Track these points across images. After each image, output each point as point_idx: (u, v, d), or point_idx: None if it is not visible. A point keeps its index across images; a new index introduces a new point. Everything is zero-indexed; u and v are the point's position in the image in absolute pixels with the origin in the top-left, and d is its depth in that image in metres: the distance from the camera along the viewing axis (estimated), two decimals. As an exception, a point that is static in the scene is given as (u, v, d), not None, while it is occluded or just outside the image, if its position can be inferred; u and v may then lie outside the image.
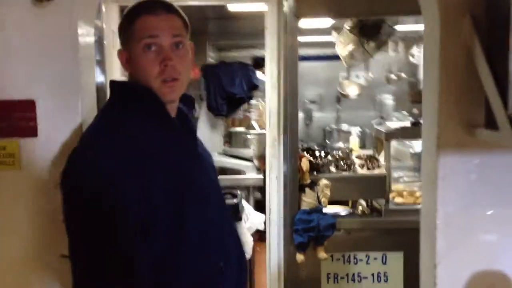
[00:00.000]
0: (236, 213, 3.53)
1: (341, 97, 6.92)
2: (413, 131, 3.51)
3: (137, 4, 1.70)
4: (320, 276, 3.34)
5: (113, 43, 2.67)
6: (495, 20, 1.72)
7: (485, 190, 1.88)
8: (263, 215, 4.08)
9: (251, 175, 4.59)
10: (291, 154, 3.24)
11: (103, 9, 2.64)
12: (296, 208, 3.28)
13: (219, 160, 4.60)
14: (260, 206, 4.79)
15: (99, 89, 2.02)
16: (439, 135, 1.88)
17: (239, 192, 3.96)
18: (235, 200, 3.67)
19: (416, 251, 3.33)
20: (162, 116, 1.66)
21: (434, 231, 1.92)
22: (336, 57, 7.32)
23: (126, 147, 1.52)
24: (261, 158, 4.62)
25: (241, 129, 4.86)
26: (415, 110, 7.51)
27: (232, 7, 3.67)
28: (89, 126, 1.67)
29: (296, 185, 3.27)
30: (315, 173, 3.36)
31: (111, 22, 2.76)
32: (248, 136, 4.60)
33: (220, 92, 4.54)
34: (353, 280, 3.35)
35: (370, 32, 3.63)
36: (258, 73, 4.74)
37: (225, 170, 4.70)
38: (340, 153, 3.61)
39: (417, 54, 6.18)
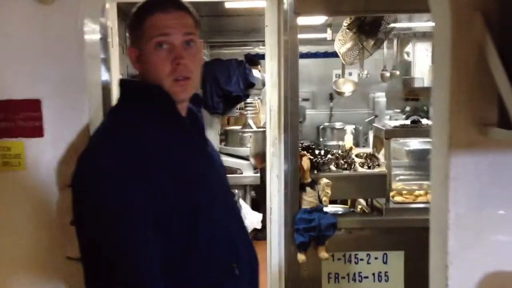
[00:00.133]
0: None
1: (335, 95, 6.94)
2: (413, 130, 3.51)
3: (148, 1, 1.67)
4: (321, 276, 3.32)
5: (112, 41, 2.63)
6: (507, 17, 1.71)
7: (497, 190, 1.87)
8: (260, 214, 4.07)
9: (247, 174, 4.57)
10: (292, 153, 3.22)
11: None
12: (296, 208, 3.26)
13: (215, 158, 4.53)
14: (255, 205, 4.77)
15: (104, 87, 1.98)
16: (450, 134, 1.86)
17: (236, 191, 3.93)
18: (233, 199, 3.63)
19: (417, 250, 3.36)
20: (173, 116, 1.64)
21: (445, 232, 1.91)
22: (329, 55, 7.36)
23: (137, 149, 1.50)
24: (257, 156, 4.59)
25: (237, 127, 4.83)
26: (407, 108, 7.56)
27: (231, 4, 3.63)
28: (99, 127, 1.64)
29: (297, 184, 3.25)
30: (315, 172, 3.33)
31: (109, 20, 2.72)
32: (244, 135, 4.57)
33: (216, 90, 4.50)
34: (354, 279, 3.33)
35: (369, 30, 3.61)
36: (254, 71, 4.70)
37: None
38: (340, 151, 3.58)
39: (411, 51, 6.22)
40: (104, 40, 2.01)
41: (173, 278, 1.49)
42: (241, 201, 3.87)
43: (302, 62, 6.54)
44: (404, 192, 3.64)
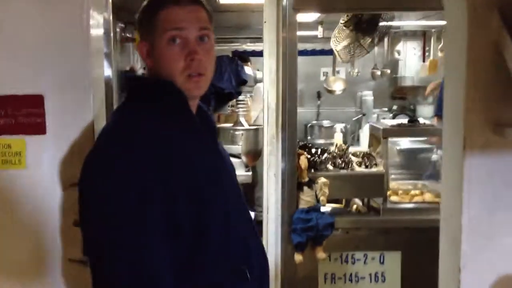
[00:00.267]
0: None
1: (323, 93, 6.90)
2: (410, 129, 3.48)
3: None
4: (317, 276, 3.28)
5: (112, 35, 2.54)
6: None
7: (512, 192, 1.84)
8: (252, 212, 4.01)
9: (239, 172, 4.49)
10: (290, 152, 3.17)
11: None
12: (294, 207, 3.21)
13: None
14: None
15: (106, 83, 1.90)
16: (465, 135, 1.82)
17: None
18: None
19: (414, 250, 3.34)
20: (185, 113, 1.58)
21: (458, 235, 1.87)
22: (316, 52, 7.33)
23: (148, 148, 1.43)
24: (249, 154, 4.53)
25: (228, 125, 4.76)
26: (395, 107, 7.56)
27: (229, 0, 3.56)
28: (109, 125, 1.57)
29: (294, 183, 3.21)
30: (312, 171, 3.29)
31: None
32: (236, 133, 4.50)
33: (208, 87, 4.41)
34: (351, 280, 3.30)
35: (366, 28, 3.57)
36: (246, 68, 4.64)
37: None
38: (336, 150, 3.54)
39: (402, 50, 6.22)
40: (107, 34, 1.91)
41: (183, 278, 1.45)
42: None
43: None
44: (400, 191, 3.61)
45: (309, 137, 7.01)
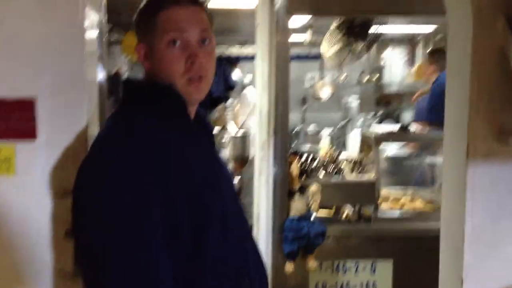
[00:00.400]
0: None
1: (310, 99, 6.88)
2: (403, 135, 3.45)
3: None
4: (308, 285, 3.22)
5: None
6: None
7: (516, 202, 1.81)
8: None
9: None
10: (281, 158, 3.12)
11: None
12: (285, 215, 3.15)
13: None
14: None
15: (100, 87, 1.83)
16: (469, 143, 1.79)
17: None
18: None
19: (405, 259, 3.31)
20: (183, 117, 1.52)
21: (461, 244, 1.83)
22: (302, 58, 7.30)
23: (145, 152, 1.37)
24: (237, 160, 4.47)
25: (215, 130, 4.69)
26: (380, 112, 7.57)
27: (215, 4, 3.50)
28: (103, 130, 1.51)
29: (285, 190, 3.15)
30: (303, 178, 3.24)
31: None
32: (224, 138, 4.44)
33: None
34: (342, 289, 3.25)
35: (359, 32, 3.54)
36: (234, 72, 4.58)
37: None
38: (327, 157, 3.50)
39: (387, 57, 6.22)
40: (100, 36, 1.85)
41: (180, 283, 1.39)
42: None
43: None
44: (390, 199, 3.58)
45: (294, 143, 6.97)
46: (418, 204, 3.53)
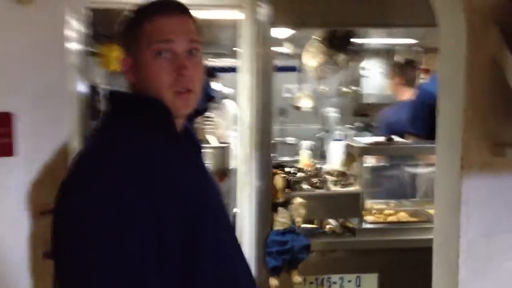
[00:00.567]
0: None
1: (286, 110, 6.84)
2: (387, 147, 3.41)
3: (146, 4, 1.47)
4: (293, 300, 3.15)
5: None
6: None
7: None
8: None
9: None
10: (264, 171, 3.05)
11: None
12: (269, 229, 3.08)
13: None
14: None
15: (81, 100, 1.75)
16: (463, 155, 1.75)
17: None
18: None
19: (390, 272, 3.26)
20: (169, 128, 1.45)
21: (455, 260, 1.79)
22: (281, 69, 7.26)
23: (128, 163, 1.29)
24: (217, 173, 4.39)
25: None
26: (358, 124, 7.57)
27: (204, 15, 3.42)
28: (88, 142, 1.43)
29: (269, 204, 3.08)
30: (287, 191, 3.17)
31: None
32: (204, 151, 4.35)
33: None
34: (327, 304, 3.19)
35: (340, 44, 3.51)
36: (214, 84, 4.51)
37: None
38: (311, 169, 3.44)
39: (365, 68, 6.21)
40: (81, 48, 1.76)
41: None
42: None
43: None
44: (374, 211, 3.54)
45: (272, 155, 6.90)
46: (403, 216, 3.49)
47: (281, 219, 3.09)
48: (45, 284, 1.63)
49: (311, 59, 3.60)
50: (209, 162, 4.39)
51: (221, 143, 4.61)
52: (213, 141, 4.49)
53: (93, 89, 3.93)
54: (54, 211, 1.33)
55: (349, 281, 3.22)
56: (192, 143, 1.56)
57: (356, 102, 7.15)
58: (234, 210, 3.50)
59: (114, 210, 1.23)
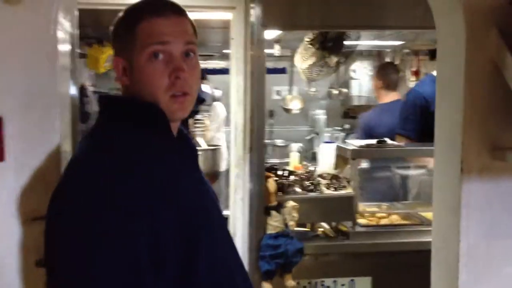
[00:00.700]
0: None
1: (276, 112, 6.82)
2: (379, 149, 3.39)
3: (140, 4, 1.42)
4: (286, 305, 3.11)
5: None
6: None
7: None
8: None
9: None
10: (257, 174, 3.01)
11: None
12: (261, 232, 3.05)
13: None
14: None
15: (72, 102, 1.70)
16: (463, 159, 1.72)
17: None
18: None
19: (384, 275, 3.24)
20: (166, 137, 1.41)
21: (455, 264, 1.76)
22: (269, 71, 7.23)
23: (129, 171, 1.26)
24: (207, 176, 4.34)
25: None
26: (346, 126, 7.56)
27: (194, 16, 3.38)
28: (82, 149, 1.38)
29: (262, 207, 3.04)
30: (280, 194, 3.13)
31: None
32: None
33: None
34: (321, 308, 3.15)
35: (332, 46, 3.48)
36: (204, 86, 4.47)
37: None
38: (304, 172, 3.41)
39: (354, 70, 6.21)
40: (72, 49, 1.72)
41: None
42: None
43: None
44: (367, 214, 3.51)
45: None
46: (395, 218, 3.47)
47: (274, 223, 3.05)
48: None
49: (303, 61, 3.56)
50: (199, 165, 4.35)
51: (209, 145, 4.57)
52: (202, 144, 4.45)
53: (81, 91, 3.87)
54: (48, 215, 1.29)
55: (343, 285, 3.19)
56: (187, 146, 1.53)
57: (345, 104, 7.15)
58: (224, 212, 3.45)
59: (110, 211, 1.20)
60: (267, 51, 4.56)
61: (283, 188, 3.15)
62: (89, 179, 1.25)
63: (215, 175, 4.31)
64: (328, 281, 3.18)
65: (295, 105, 5.35)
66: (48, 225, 1.30)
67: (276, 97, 6.98)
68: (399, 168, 3.92)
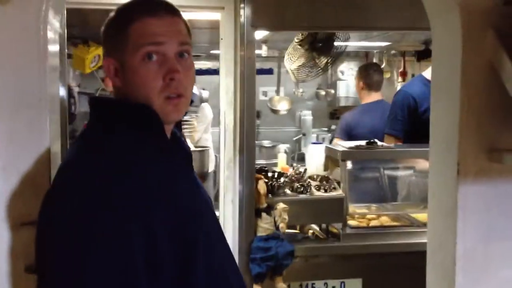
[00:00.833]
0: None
1: (262, 112, 6.80)
2: (369, 151, 3.38)
3: (132, 4, 1.39)
4: (277, 308, 3.08)
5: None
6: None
7: (509, 221, 1.73)
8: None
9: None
10: (248, 176, 2.98)
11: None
12: (252, 235, 3.02)
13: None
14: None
15: (62, 104, 1.66)
16: (459, 161, 1.71)
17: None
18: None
19: (374, 277, 3.22)
20: (161, 141, 1.38)
21: (452, 268, 1.74)
22: (256, 72, 7.22)
23: (126, 171, 1.24)
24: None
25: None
26: (333, 126, 7.57)
27: (184, 16, 3.35)
28: (72, 153, 1.35)
29: (252, 209, 3.01)
30: (270, 196, 3.11)
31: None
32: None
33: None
34: (311, 311, 3.13)
35: (322, 47, 3.46)
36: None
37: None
38: (294, 174, 3.38)
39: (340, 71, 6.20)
40: (61, 50, 1.68)
41: None
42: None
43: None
44: (356, 215, 3.49)
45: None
46: (385, 220, 3.46)
47: (264, 225, 3.02)
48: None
49: (292, 62, 3.54)
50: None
51: (197, 147, 4.54)
52: (191, 145, 4.41)
53: (69, 91, 3.81)
54: (39, 219, 1.26)
55: (333, 287, 3.17)
56: (180, 148, 1.51)
57: (332, 105, 7.16)
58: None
59: (107, 212, 1.18)
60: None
61: (273, 190, 3.13)
62: (85, 180, 1.22)
63: (202, 176, 4.27)
64: (319, 283, 3.16)
65: (283, 106, 5.32)
66: (39, 229, 1.27)
67: (262, 97, 6.96)
68: (387, 169, 3.91)
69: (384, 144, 3.49)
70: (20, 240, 1.51)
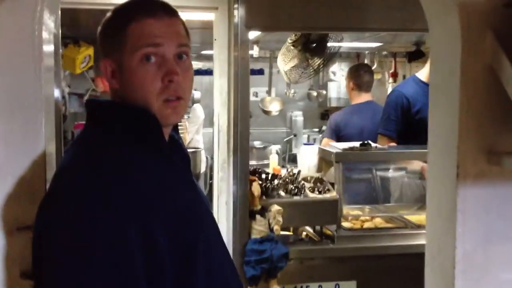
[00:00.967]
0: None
1: (253, 113, 6.77)
2: (364, 152, 3.36)
3: (130, 4, 1.37)
4: (271, 310, 3.06)
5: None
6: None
7: (509, 224, 1.72)
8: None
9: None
10: (242, 178, 2.96)
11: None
12: (246, 237, 2.99)
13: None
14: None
15: (56, 106, 1.63)
16: (458, 164, 1.70)
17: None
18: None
19: (368, 279, 3.21)
20: (159, 144, 1.37)
21: (451, 271, 1.73)
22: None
23: (124, 172, 1.24)
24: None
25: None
26: (324, 127, 7.56)
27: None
28: (69, 157, 1.32)
29: (246, 211, 2.99)
30: (264, 198, 3.08)
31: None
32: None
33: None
34: (306, 313, 3.11)
35: (315, 48, 3.45)
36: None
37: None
38: (288, 175, 3.36)
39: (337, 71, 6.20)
40: (55, 50, 1.65)
41: None
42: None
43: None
44: (350, 217, 3.48)
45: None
46: (378, 222, 3.45)
47: (259, 227, 3.00)
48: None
49: (285, 63, 3.52)
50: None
51: (188, 148, 4.51)
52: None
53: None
54: (37, 223, 1.25)
55: (328, 289, 3.15)
56: (178, 150, 1.49)
57: (322, 106, 7.16)
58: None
59: (106, 212, 1.17)
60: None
61: (267, 191, 3.11)
62: (84, 182, 1.21)
63: (195, 176, 4.24)
64: (313, 286, 3.14)
65: (275, 107, 5.30)
66: (36, 233, 1.25)
67: (253, 98, 6.94)
68: (380, 170, 3.90)
69: (378, 145, 3.48)
70: (16, 245, 1.48)
